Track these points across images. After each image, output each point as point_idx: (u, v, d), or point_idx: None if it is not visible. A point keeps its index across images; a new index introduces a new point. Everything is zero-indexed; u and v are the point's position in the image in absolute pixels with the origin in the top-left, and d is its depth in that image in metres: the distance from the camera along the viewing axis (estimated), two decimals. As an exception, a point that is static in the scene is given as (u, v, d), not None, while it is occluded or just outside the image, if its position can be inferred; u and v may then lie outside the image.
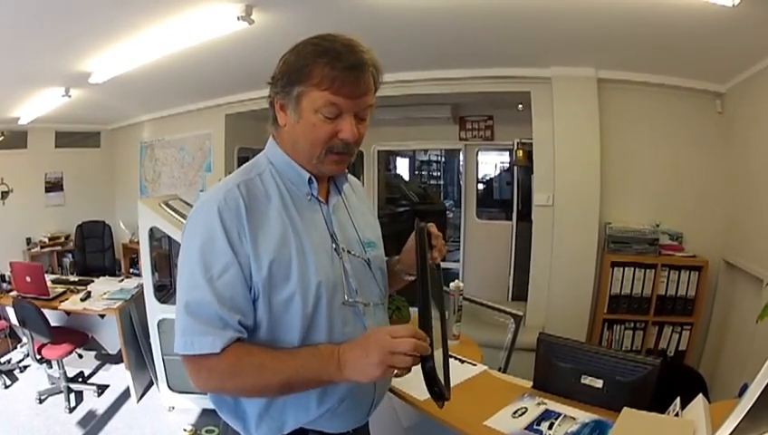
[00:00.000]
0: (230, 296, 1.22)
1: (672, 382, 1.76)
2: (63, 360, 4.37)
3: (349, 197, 1.54)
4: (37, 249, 7.43)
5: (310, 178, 1.36)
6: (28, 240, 7.43)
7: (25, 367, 5.07)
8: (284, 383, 1.22)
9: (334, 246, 1.38)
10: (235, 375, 1.22)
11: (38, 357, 4.25)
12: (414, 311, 2.91)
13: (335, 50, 1.24)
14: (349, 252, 1.42)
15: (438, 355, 1.25)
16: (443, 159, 10.25)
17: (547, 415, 1.79)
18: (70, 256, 7.71)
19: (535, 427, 1.72)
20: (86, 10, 3.21)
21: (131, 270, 7.49)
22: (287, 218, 1.31)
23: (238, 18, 3.14)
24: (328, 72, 1.23)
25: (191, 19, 3.33)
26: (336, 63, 1.22)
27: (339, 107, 1.26)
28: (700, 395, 1.56)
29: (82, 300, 4.49)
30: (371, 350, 1.15)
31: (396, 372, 1.15)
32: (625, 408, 1.61)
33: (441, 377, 1.22)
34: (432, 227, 1.43)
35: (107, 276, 5.58)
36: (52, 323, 4.29)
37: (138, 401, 4.46)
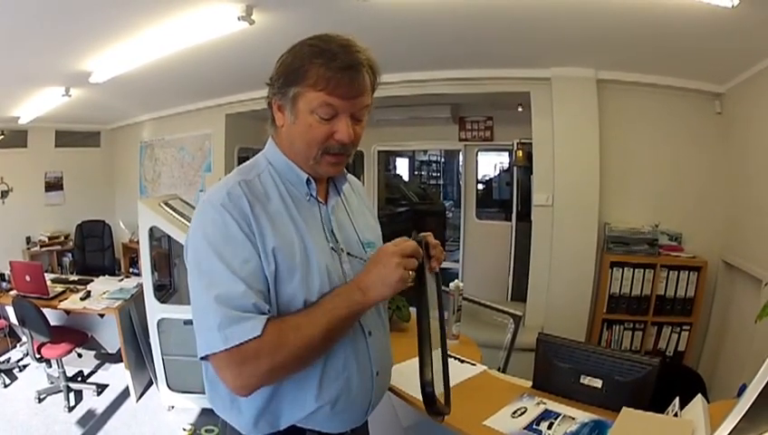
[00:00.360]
0: (256, 286, 1.22)
1: (671, 383, 1.76)
2: (63, 359, 4.37)
3: (348, 197, 1.55)
4: (37, 248, 7.44)
5: (308, 179, 1.37)
6: (28, 239, 7.44)
7: (25, 366, 5.07)
8: (324, 330, 1.24)
9: (332, 246, 1.39)
10: (280, 347, 1.20)
11: (37, 356, 4.25)
12: (413, 310, 2.92)
13: (331, 50, 1.24)
14: (348, 253, 1.42)
15: (438, 361, 1.27)
16: (442, 160, 10.27)
17: (546, 415, 1.79)
18: (69, 255, 7.72)
19: (535, 427, 1.72)
20: (86, 10, 3.21)
21: (131, 269, 7.52)
22: (288, 218, 1.31)
23: (238, 18, 3.14)
24: (323, 72, 1.23)
25: (191, 19, 3.33)
26: (331, 64, 1.23)
27: (334, 108, 1.26)
28: (699, 395, 1.57)
29: (82, 299, 4.50)
30: (385, 260, 1.25)
31: (410, 275, 1.26)
32: (624, 408, 1.61)
33: (441, 385, 1.24)
34: (429, 237, 1.41)
35: (106, 276, 5.58)
36: (52, 323, 4.28)
37: (137, 401, 4.46)
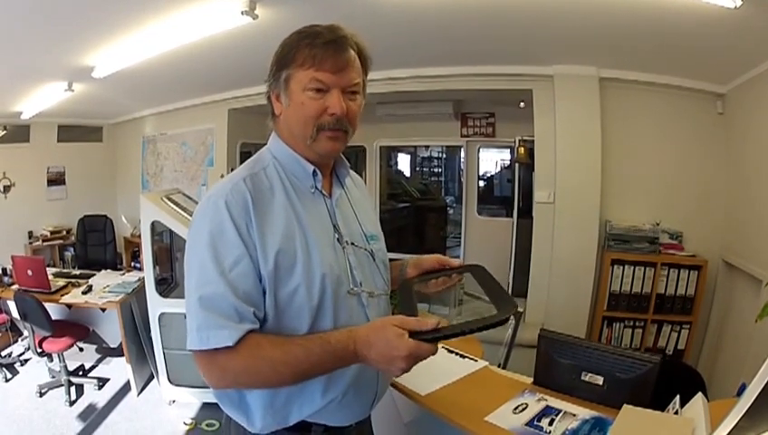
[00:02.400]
0: (243, 289, 1.23)
1: (671, 380, 1.77)
2: (64, 353, 4.39)
3: (352, 191, 1.57)
4: (39, 243, 7.44)
5: (314, 171, 1.39)
6: (30, 234, 7.44)
7: (26, 360, 5.08)
8: (299, 377, 1.25)
9: (337, 236, 1.40)
10: (248, 373, 1.24)
11: (39, 350, 4.26)
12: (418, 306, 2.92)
13: (315, 31, 1.30)
14: (352, 244, 1.44)
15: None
16: (444, 156, 10.25)
17: (547, 411, 1.80)
18: (71, 249, 7.71)
19: (536, 423, 1.73)
20: (89, 4, 3.21)
21: (133, 264, 7.52)
22: (291, 211, 1.33)
23: (242, 13, 3.14)
24: (309, 51, 1.28)
25: (195, 14, 3.33)
26: (316, 41, 1.28)
27: (323, 82, 1.30)
28: (699, 394, 1.57)
29: (84, 293, 4.51)
30: (395, 367, 1.18)
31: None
32: (625, 405, 1.62)
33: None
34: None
35: (108, 270, 5.58)
36: (54, 317, 4.30)
37: (138, 395, 4.47)
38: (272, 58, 1.36)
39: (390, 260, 1.62)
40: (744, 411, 1.24)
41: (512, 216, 5.92)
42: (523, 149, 5.56)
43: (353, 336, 1.21)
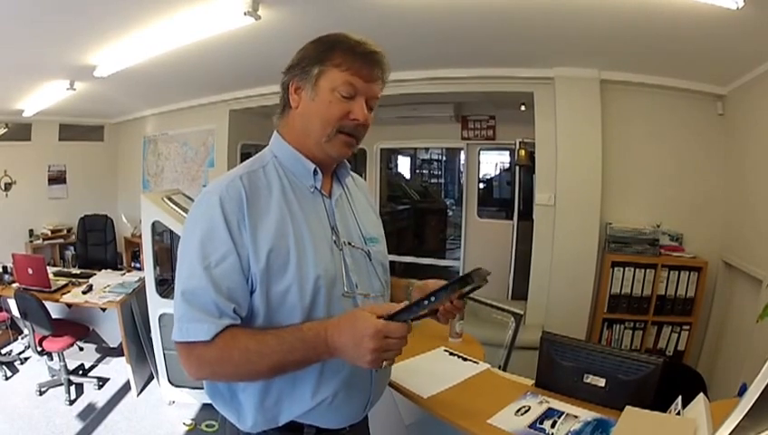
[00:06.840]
0: (227, 285, 1.24)
1: (672, 382, 1.77)
2: (64, 352, 4.38)
3: (353, 192, 1.57)
4: (39, 241, 7.46)
5: (315, 169, 1.40)
6: (30, 232, 7.46)
7: (26, 359, 5.08)
8: (273, 368, 1.24)
9: (334, 238, 1.40)
10: (223, 362, 1.24)
11: (39, 349, 4.25)
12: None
13: (354, 39, 1.33)
14: (349, 244, 1.44)
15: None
16: (444, 158, 10.25)
17: (550, 413, 1.80)
18: (72, 248, 7.72)
19: (538, 425, 1.73)
20: (92, 3, 3.22)
21: (133, 264, 7.53)
22: (287, 210, 1.33)
23: (245, 14, 3.13)
24: (349, 55, 1.32)
25: (197, 14, 3.33)
26: (356, 48, 1.32)
27: (355, 88, 1.33)
28: (701, 394, 1.58)
29: (84, 293, 4.50)
30: (363, 348, 1.16)
31: (382, 366, 1.19)
32: (627, 406, 1.62)
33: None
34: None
35: (108, 270, 5.59)
36: (54, 316, 4.30)
37: (138, 395, 4.47)
38: (300, 52, 1.38)
39: (391, 265, 1.62)
40: (745, 412, 1.24)
41: (512, 218, 5.90)
42: (523, 151, 5.56)
43: (325, 324, 1.23)
